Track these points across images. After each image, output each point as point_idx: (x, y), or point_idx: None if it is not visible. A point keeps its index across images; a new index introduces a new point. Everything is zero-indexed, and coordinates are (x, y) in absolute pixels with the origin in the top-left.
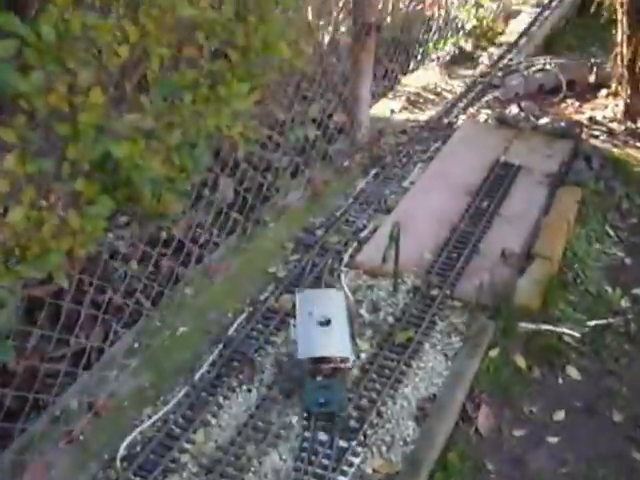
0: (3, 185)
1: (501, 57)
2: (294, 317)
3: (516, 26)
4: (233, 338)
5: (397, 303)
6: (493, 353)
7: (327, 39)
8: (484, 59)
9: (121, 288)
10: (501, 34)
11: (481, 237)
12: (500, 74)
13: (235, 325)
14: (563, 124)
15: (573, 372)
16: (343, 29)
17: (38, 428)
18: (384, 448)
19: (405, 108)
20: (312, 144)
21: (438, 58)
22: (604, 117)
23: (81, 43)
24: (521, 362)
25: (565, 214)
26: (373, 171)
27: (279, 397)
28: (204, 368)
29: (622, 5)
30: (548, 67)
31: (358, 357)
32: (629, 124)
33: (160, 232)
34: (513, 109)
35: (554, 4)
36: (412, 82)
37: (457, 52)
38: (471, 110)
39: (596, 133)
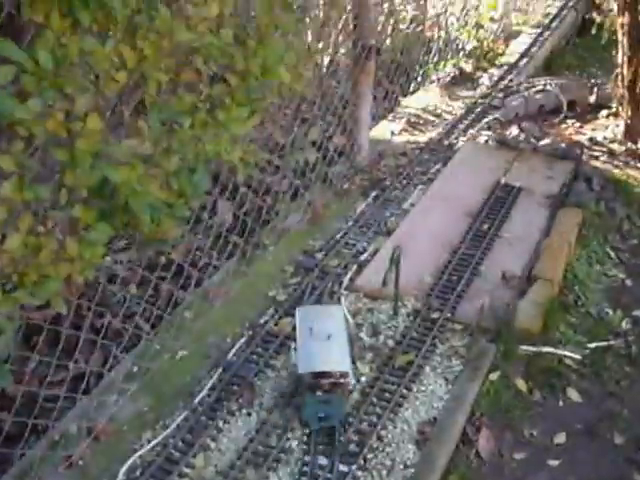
0: (0, 212)
1: (501, 78)
2: (294, 340)
3: (516, 47)
4: (233, 362)
5: (397, 326)
6: (494, 376)
7: (327, 61)
8: (484, 80)
9: (120, 312)
10: (501, 55)
11: (482, 259)
12: (500, 95)
13: (235, 349)
14: (564, 145)
15: (574, 394)
16: (342, 51)
17: (37, 453)
18: (384, 472)
19: (405, 130)
20: (312, 167)
21: (438, 79)
22: (605, 138)
23: (79, 69)
24: (522, 385)
25: (566, 236)
26: (373, 193)
27: (279, 421)
28: (204, 392)
29: (622, 26)
30: (548, 88)
31: (358, 381)
32: (630, 145)
33: (159, 256)
34: (513, 130)
35: (554, 25)
36: (412, 104)
37: (457, 73)
38: (471, 131)
39: (597, 154)
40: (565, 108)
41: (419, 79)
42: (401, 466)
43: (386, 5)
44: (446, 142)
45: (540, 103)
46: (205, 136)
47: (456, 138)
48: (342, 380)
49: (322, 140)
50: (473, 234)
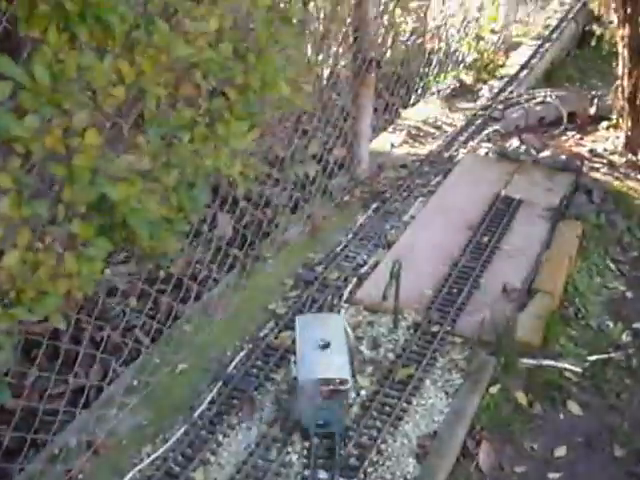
0: None
1: (502, 90)
2: (294, 354)
3: (517, 58)
4: (233, 375)
5: (397, 339)
6: (494, 389)
7: (327, 73)
8: (485, 92)
9: (120, 325)
10: (502, 67)
11: (482, 272)
12: (501, 107)
13: (235, 362)
14: (564, 157)
15: (574, 407)
16: (343, 63)
17: (37, 467)
18: None
19: (405, 142)
20: (312, 180)
21: (439, 91)
22: (605, 150)
23: (76, 84)
24: (522, 398)
25: (566, 248)
26: (373, 206)
27: (279, 435)
28: (203, 406)
29: (623, 38)
30: (549, 99)
31: (358, 394)
32: (630, 157)
33: (158, 269)
34: (514, 142)
35: (554, 36)
36: (412, 115)
37: (458, 85)
38: (472, 144)
39: (597, 166)
40: (565, 120)
41: (419, 91)
42: None
43: (386, 17)
44: (446, 154)
45: (540, 115)
46: (204, 150)
47: (456, 150)
48: (341, 387)
49: (322, 152)
50: (473, 247)
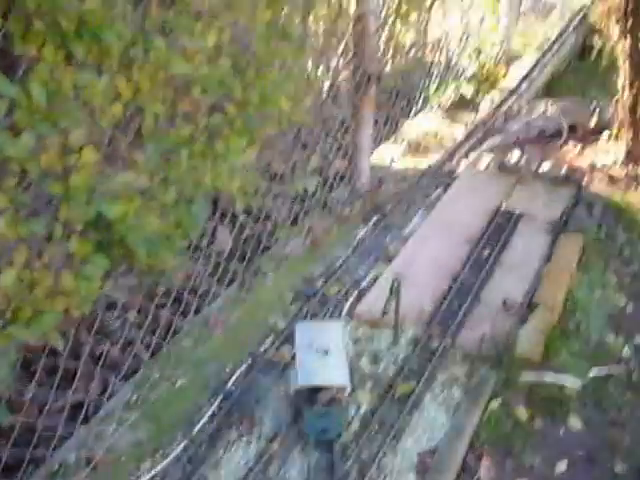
0: None
1: (502, 102)
2: (294, 368)
3: (517, 71)
4: (232, 390)
5: (398, 354)
6: (494, 404)
7: (327, 85)
8: (485, 104)
9: (119, 340)
10: (502, 79)
11: (482, 286)
12: (501, 119)
13: (234, 377)
14: (564, 170)
15: (575, 422)
16: (343, 76)
17: None
18: None
19: (406, 155)
20: (312, 193)
21: (439, 104)
22: (605, 162)
23: (73, 101)
24: (522, 413)
25: (567, 262)
26: (373, 219)
27: (279, 450)
28: (203, 421)
29: (623, 51)
30: (549, 112)
31: (358, 409)
32: (631, 169)
33: (158, 284)
34: (514, 155)
35: (555, 48)
36: (413, 128)
37: (458, 97)
38: (472, 156)
39: (597, 178)
40: (566, 132)
41: (420, 103)
42: None
43: (386, 30)
44: (447, 167)
45: (541, 127)
46: (203, 167)
47: (457, 163)
48: (340, 394)
49: (322, 166)
50: (474, 260)
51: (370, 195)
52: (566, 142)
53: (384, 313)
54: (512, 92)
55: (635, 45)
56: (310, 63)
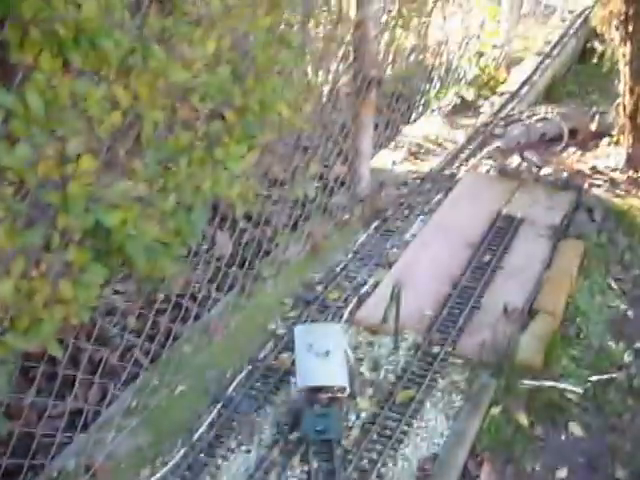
0: None
1: (503, 106)
2: (293, 376)
3: (518, 74)
4: (232, 397)
5: (398, 361)
6: (495, 411)
7: (327, 90)
8: (486, 108)
9: (119, 346)
10: (503, 83)
11: (483, 292)
12: (502, 123)
13: (234, 384)
14: (565, 175)
15: (576, 428)
16: (343, 81)
17: None
18: None
19: (406, 159)
20: (312, 198)
21: (440, 108)
22: (606, 167)
23: (70, 110)
24: (523, 419)
25: (567, 267)
26: (374, 224)
27: (279, 458)
28: (203, 428)
29: (624, 56)
30: (550, 116)
31: (358, 416)
32: (631, 174)
33: (157, 290)
34: (515, 159)
35: (556, 52)
36: (413, 132)
37: (459, 101)
38: (473, 161)
39: (598, 183)
40: (567, 136)
41: (420, 108)
42: None
43: (386, 35)
44: (447, 172)
45: (541, 131)
46: (202, 174)
47: (457, 167)
48: (340, 394)
49: (322, 170)
50: (474, 266)
51: (370, 200)
52: (567, 147)
53: (384, 320)
54: (513, 96)
55: (636, 50)
56: (310, 68)
